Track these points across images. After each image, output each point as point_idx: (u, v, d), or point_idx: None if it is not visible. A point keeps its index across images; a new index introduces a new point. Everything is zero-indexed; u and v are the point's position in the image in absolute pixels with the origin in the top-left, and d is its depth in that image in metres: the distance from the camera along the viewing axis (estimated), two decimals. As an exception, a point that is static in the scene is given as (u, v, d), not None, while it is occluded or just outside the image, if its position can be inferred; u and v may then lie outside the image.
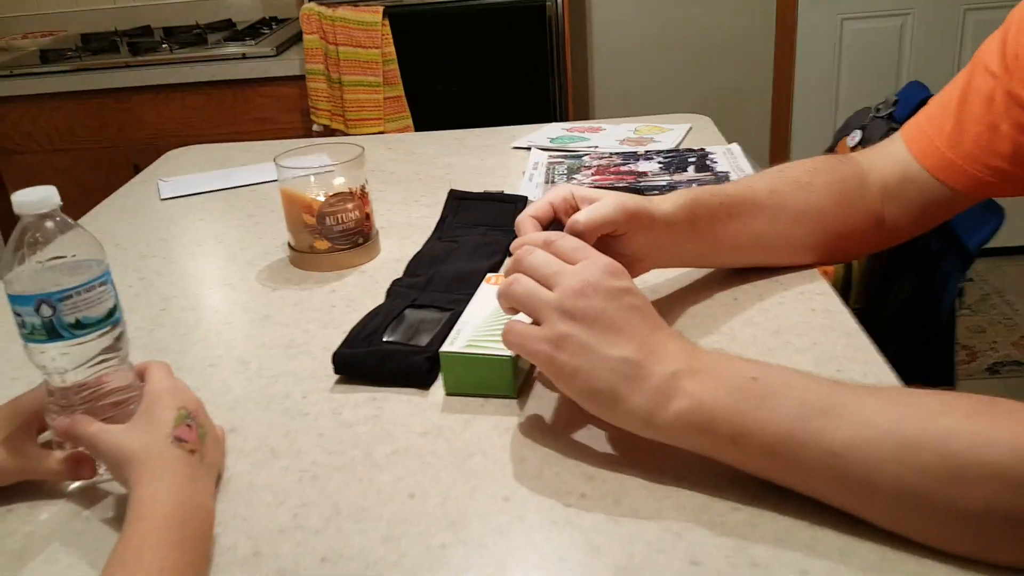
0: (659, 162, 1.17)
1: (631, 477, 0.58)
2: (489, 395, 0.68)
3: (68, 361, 0.58)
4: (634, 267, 0.76)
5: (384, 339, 0.74)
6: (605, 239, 0.71)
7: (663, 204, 0.74)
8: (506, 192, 1.09)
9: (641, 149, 1.25)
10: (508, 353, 0.65)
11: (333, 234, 0.92)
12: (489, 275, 0.79)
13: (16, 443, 0.58)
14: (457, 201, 1.04)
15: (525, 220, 0.70)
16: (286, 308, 0.86)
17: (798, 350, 0.70)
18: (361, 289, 0.88)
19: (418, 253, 0.93)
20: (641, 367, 0.55)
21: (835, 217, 0.80)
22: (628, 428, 0.57)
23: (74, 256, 0.58)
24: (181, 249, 1.04)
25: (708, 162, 1.15)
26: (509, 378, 0.66)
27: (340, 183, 0.93)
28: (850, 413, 0.51)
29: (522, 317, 0.60)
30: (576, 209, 0.71)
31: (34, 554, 0.56)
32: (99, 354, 0.59)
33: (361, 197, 0.94)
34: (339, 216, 0.92)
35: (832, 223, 0.80)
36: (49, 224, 0.57)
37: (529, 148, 1.31)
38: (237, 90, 2.31)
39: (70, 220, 0.59)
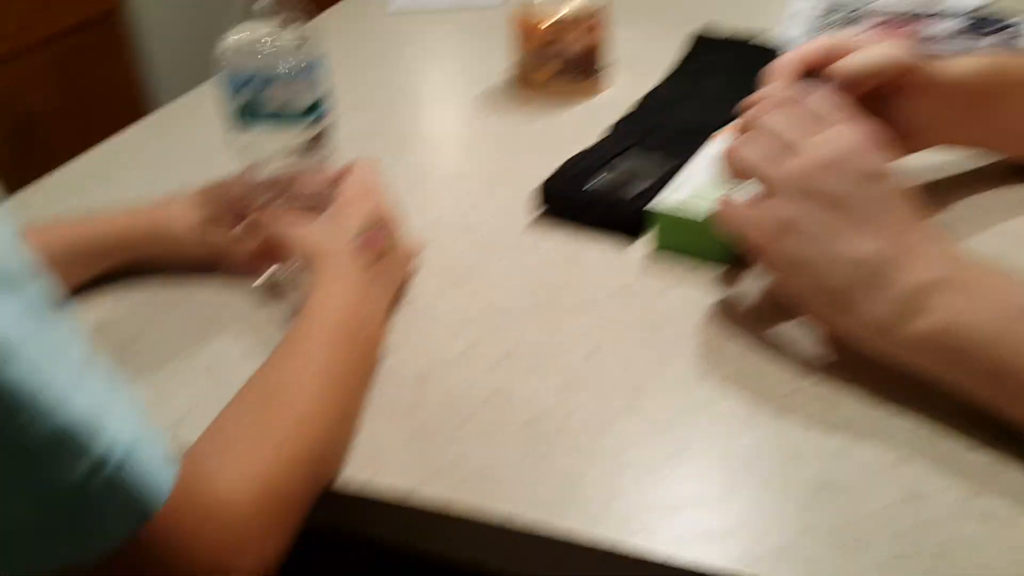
0: (956, 23, 0.98)
1: (849, 386, 0.49)
2: (700, 261, 0.60)
3: (266, 150, 0.57)
4: (904, 142, 0.63)
5: (595, 180, 0.67)
6: (869, 102, 0.59)
7: (954, 65, 0.60)
8: (760, 38, 0.95)
9: (936, 7, 1.05)
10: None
11: (558, 63, 0.85)
12: (723, 129, 0.69)
13: (206, 228, 0.58)
14: (702, 43, 0.93)
15: (778, 67, 0.59)
16: (501, 135, 0.81)
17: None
18: (582, 125, 0.80)
19: (649, 93, 0.84)
20: (886, 269, 0.45)
21: None
22: (855, 339, 0.47)
23: (287, 44, 0.55)
24: (402, 65, 1.00)
25: (1012, 37, 0.94)
26: (722, 245, 0.58)
27: (573, 7, 0.84)
28: None
29: (746, 190, 0.51)
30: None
31: (215, 332, 0.57)
32: (298, 148, 0.57)
33: (592, 26, 0.85)
34: (565, 44, 0.84)
35: None
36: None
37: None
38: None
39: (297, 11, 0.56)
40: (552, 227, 0.65)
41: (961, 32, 0.95)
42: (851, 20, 1.01)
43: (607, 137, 0.75)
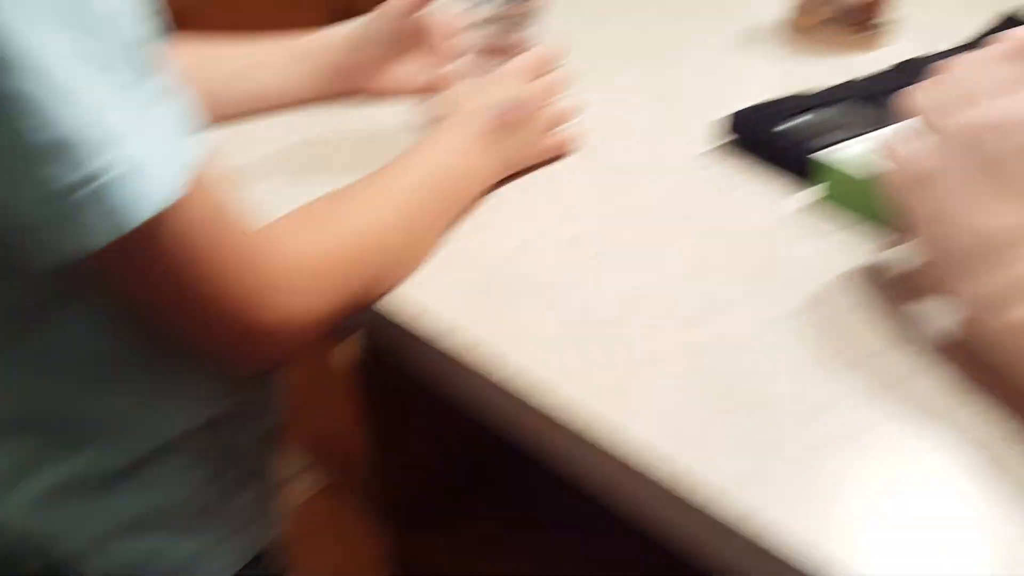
0: None
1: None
2: (864, 220, 0.54)
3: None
4: None
5: (790, 123, 0.62)
6: None
7: None
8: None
9: None
10: None
11: (831, 9, 0.78)
12: None
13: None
14: (1008, 25, 0.80)
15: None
16: (735, 83, 0.76)
17: None
18: (834, 79, 0.74)
19: (907, 60, 0.74)
20: (1012, 248, 0.40)
21: None
22: (963, 312, 0.43)
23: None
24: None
25: None
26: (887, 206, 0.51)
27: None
28: None
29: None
30: None
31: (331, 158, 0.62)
32: (503, 19, 0.60)
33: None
34: (845, -11, 0.77)
35: None
36: None
37: None
38: None
39: None
40: (729, 158, 0.62)
41: None
42: None
43: (830, 88, 0.68)
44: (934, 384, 0.43)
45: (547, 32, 0.64)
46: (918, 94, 0.45)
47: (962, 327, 0.44)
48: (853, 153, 0.55)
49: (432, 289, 0.49)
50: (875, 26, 0.79)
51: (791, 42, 0.81)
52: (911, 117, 0.46)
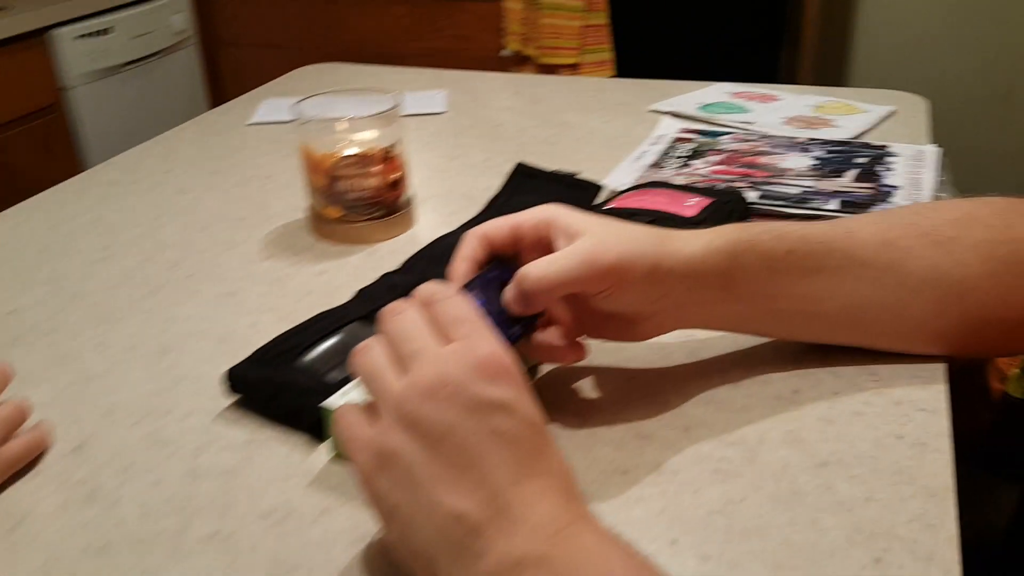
0: (816, 157, 0.88)
1: None
2: None
3: None
4: (633, 329, 0.53)
5: (303, 360, 0.57)
6: (591, 297, 0.50)
7: (688, 245, 0.50)
8: (582, 175, 0.87)
9: (803, 135, 0.96)
10: None
11: (346, 201, 0.76)
12: None
13: None
14: (521, 179, 0.84)
15: (461, 256, 0.50)
16: (261, 285, 0.72)
17: (840, 506, 0.45)
18: (360, 274, 0.72)
19: (435, 241, 0.75)
20: (478, 535, 0.36)
21: (986, 295, 0.52)
22: None
23: None
24: (217, 187, 0.92)
25: (879, 167, 0.85)
26: None
27: (368, 138, 0.76)
28: None
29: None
30: (545, 247, 0.50)
31: None
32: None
33: (387, 160, 0.77)
34: (353, 181, 0.76)
35: (978, 303, 0.52)
36: None
37: (667, 113, 1.06)
38: (441, 4, 2.19)
39: None
40: (247, 417, 0.56)
41: (819, 167, 0.86)
42: (704, 150, 0.92)
43: (354, 299, 0.66)
44: None
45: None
46: (363, 355, 0.42)
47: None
48: (360, 394, 0.50)
49: None
50: (395, 209, 0.78)
51: (321, 239, 0.79)
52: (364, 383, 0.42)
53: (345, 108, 0.77)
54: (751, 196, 0.78)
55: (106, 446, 0.54)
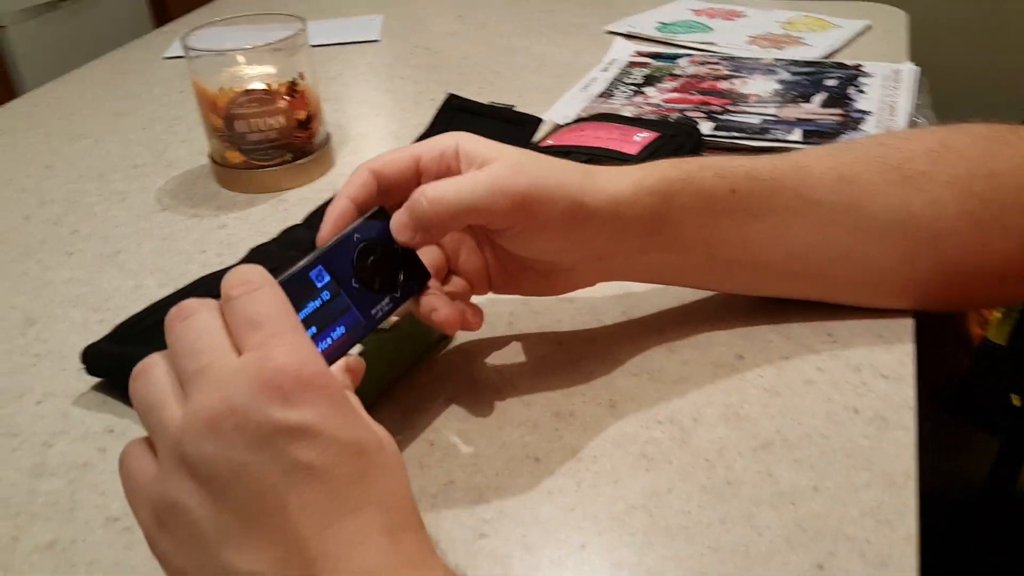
0: (780, 80, 0.79)
1: None
2: None
3: None
4: (551, 280, 0.46)
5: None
6: (501, 236, 0.42)
7: (614, 183, 0.43)
8: (522, 108, 0.78)
9: (769, 56, 0.87)
10: None
11: (247, 144, 0.68)
12: None
13: None
14: (451, 112, 0.75)
15: (344, 192, 0.42)
16: (151, 241, 0.63)
17: (782, 498, 0.38)
18: (265, 228, 0.63)
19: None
20: None
21: (962, 238, 0.44)
22: None
23: None
24: (119, 132, 0.83)
25: (851, 89, 0.76)
26: None
27: (270, 72, 0.67)
28: None
29: None
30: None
31: None
32: None
33: (293, 96, 0.68)
34: (254, 121, 0.67)
35: (954, 247, 0.45)
36: None
37: (623, 35, 0.97)
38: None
39: None
40: (111, 402, 0.48)
41: (782, 92, 0.77)
42: (660, 75, 0.83)
43: (246, 257, 0.58)
44: None
45: None
46: (134, 382, 0.32)
47: None
48: None
49: None
50: (305, 152, 0.70)
51: (222, 184, 0.70)
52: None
53: (247, 38, 0.68)
54: (706, 128, 0.70)
55: (-59, 440, 0.47)
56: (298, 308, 0.35)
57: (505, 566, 0.37)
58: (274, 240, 0.60)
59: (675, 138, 0.64)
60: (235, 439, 0.28)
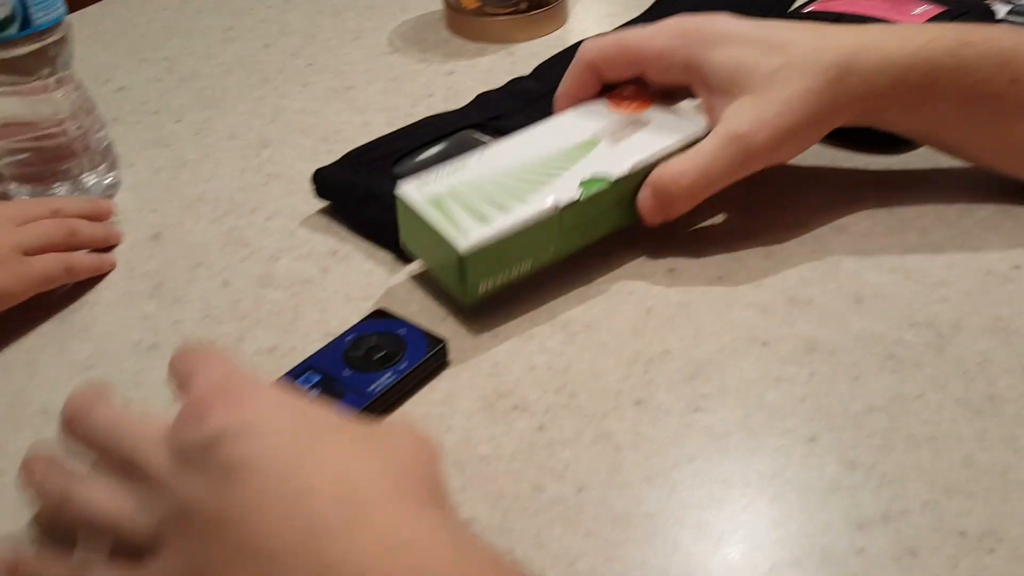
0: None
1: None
2: (443, 285, 0.42)
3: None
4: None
5: (400, 167, 0.49)
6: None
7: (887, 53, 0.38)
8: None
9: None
10: (472, 241, 0.39)
11: (483, -10, 0.65)
12: (603, 99, 0.47)
13: None
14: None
15: (565, 91, 0.46)
16: (380, 81, 0.63)
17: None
18: (491, 78, 0.62)
19: (577, 44, 0.62)
20: None
21: None
22: None
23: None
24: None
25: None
26: (457, 277, 0.40)
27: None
28: None
29: None
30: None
31: None
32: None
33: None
34: (495, -37, 0.64)
35: None
36: None
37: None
38: None
39: None
40: (332, 224, 0.49)
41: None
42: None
43: (471, 105, 0.56)
44: None
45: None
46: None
47: None
48: (433, 191, 0.41)
49: None
50: (544, 3, 0.67)
51: (457, 33, 0.69)
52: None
53: None
54: (1001, 11, 0.60)
55: (182, 239, 0.49)
56: None
57: (721, 446, 0.34)
58: (501, 88, 0.58)
59: (963, 17, 0.55)
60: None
